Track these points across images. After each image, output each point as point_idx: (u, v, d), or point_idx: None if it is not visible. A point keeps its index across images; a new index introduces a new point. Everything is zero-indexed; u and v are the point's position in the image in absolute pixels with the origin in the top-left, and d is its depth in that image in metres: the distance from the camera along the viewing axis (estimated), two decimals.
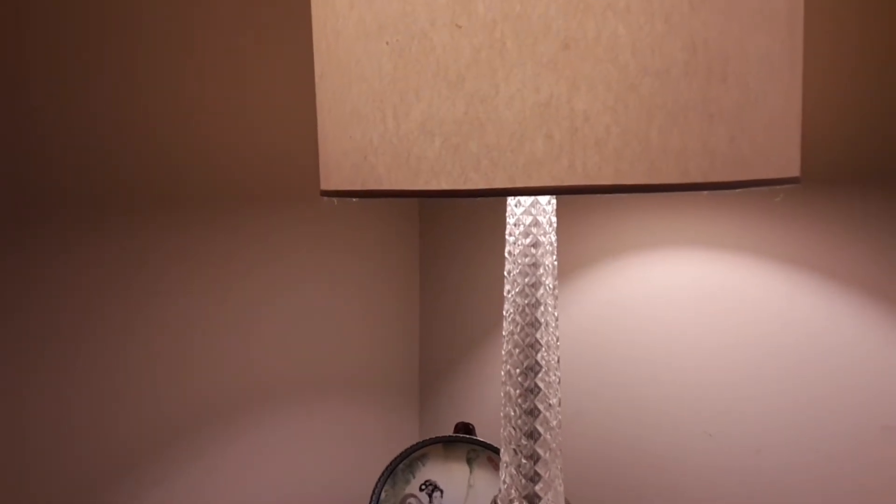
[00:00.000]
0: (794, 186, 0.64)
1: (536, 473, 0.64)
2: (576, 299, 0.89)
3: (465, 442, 0.87)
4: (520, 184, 0.44)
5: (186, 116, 0.85)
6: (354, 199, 0.54)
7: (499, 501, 0.66)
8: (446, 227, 1.06)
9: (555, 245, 0.63)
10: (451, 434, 0.89)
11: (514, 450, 0.65)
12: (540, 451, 0.64)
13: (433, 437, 0.89)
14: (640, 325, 0.84)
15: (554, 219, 0.63)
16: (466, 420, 0.93)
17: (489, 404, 1.02)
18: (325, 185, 0.59)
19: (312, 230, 0.97)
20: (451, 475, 0.88)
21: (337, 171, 0.55)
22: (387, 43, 0.48)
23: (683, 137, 0.43)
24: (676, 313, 0.81)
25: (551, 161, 0.43)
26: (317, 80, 0.59)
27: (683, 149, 0.43)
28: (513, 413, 0.65)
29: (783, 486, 0.74)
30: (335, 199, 0.58)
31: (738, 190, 0.46)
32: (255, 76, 0.90)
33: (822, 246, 0.70)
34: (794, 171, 0.51)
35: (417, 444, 0.89)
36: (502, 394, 0.66)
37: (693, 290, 0.79)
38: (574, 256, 0.89)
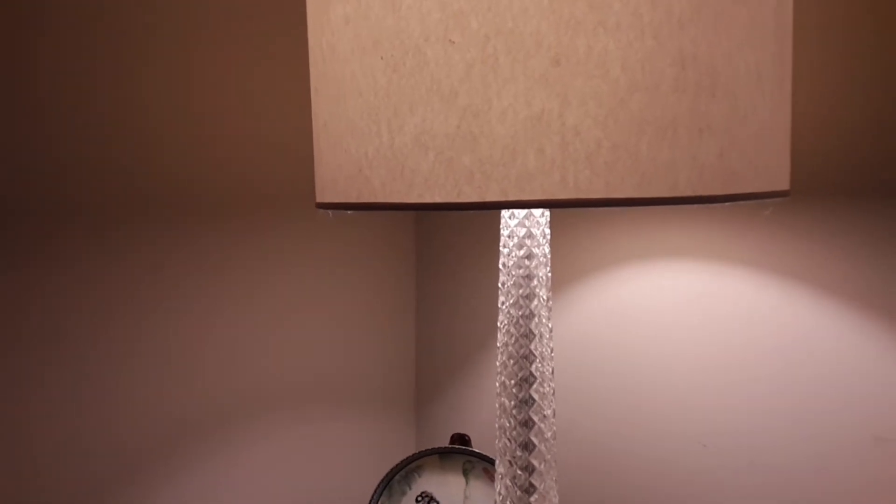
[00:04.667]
0: (783, 199, 0.65)
1: (531, 485, 0.64)
2: (568, 310, 0.90)
3: (460, 453, 0.88)
4: (512, 197, 0.45)
5: (198, 128, 0.86)
6: (349, 212, 0.54)
7: None
8: (442, 238, 1.06)
9: (548, 256, 0.64)
10: (447, 445, 0.89)
11: (510, 461, 0.65)
12: (535, 463, 0.64)
13: (429, 448, 0.89)
14: (633, 337, 0.84)
15: (548, 230, 0.64)
16: (462, 431, 0.93)
17: (485, 415, 1.02)
18: (320, 198, 0.59)
19: (310, 242, 0.97)
20: (447, 486, 0.88)
21: (332, 184, 0.55)
22: (381, 58, 0.49)
23: (673, 151, 0.44)
24: (668, 324, 0.81)
25: (543, 175, 0.44)
26: (312, 93, 0.60)
27: (673, 162, 0.44)
28: (507, 424, 0.65)
29: (776, 496, 0.74)
30: (330, 212, 0.58)
31: (727, 203, 0.47)
32: (261, 87, 0.91)
33: (813, 257, 0.71)
34: (783, 184, 0.51)
35: (413, 455, 0.89)
36: (497, 405, 0.66)
37: (685, 301, 0.80)
38: (566, 268, 0.89)
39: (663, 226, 0.81)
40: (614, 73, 0.43)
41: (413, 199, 0.48)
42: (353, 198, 0.53)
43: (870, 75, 0.67)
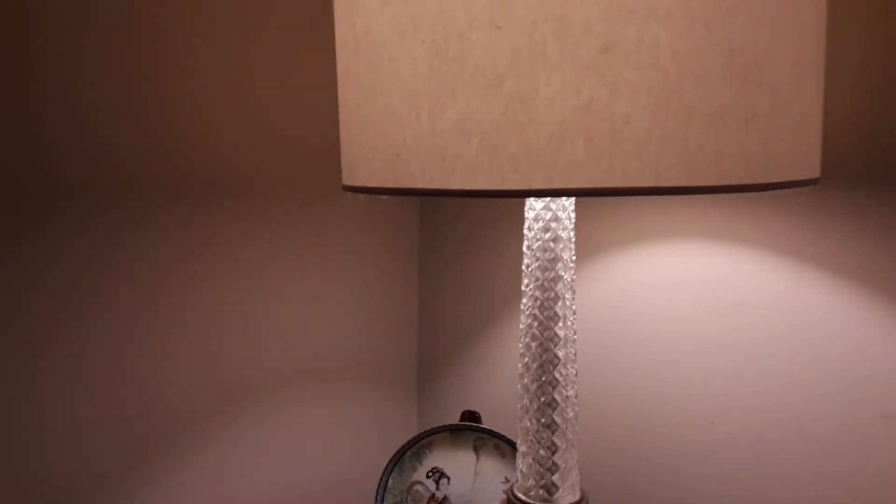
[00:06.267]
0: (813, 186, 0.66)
1: (554, 464, 0.65)
2: (584, 291, 0.90)
3: (471, 430, 0.89)
4: (559, 185, 0.45)
5: (192, 111, 0.85)
6: (384, 196, 0.54)
7: (515, 491, 0.68)
8: (445, 221, 1.06)
9: (573, 240, 0.64)
10: (457, 423, 0.90)
11: (532, 441, 0.66)
12: (558, 442, 0.65)
13: (440, 425, 0.90)
14: (647, 317, 0.86)
15: (573, 214, 0.64)
16: (465, 409, 0.94)
17: (487, 394, 1.03)
18: (349, 181, 0.59)
19: (313, 225, 0.97)
20: (457, 462, 0.89)
21: (365, 167, 0.55)
22: (422, 42, 0.48)
23: (720, 141, 0.44)
24: (682, 305, 0.83)
25: (591, 163, 0.44)
26: (340, 75, 0.59)
27: (720, 152, 0.44)
28: (531, 405, 0.66)
29: (783, 472, 0.77)
30: (361, 196, 0.58)
31: (769, 191, 0.48)
32: (262, 71, 0.89)
33: (822, 240, 0.72)
34: (815, 172, 0.52)
35: (424, 432, 0.90)
36: (519, 386, 0.67)
37: (700, 282, 0.81)
38: (583, 248, 0.90)
39: (676, 208, 0.81)
40: (665, 62, 0.43)
41: (455, 185, 0.48)
42: (389, 182, 0.52)
43: (890, 61, 0.68)
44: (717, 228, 0.79)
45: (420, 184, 0.50)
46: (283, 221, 0.93)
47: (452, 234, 1.06)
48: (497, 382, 1.02)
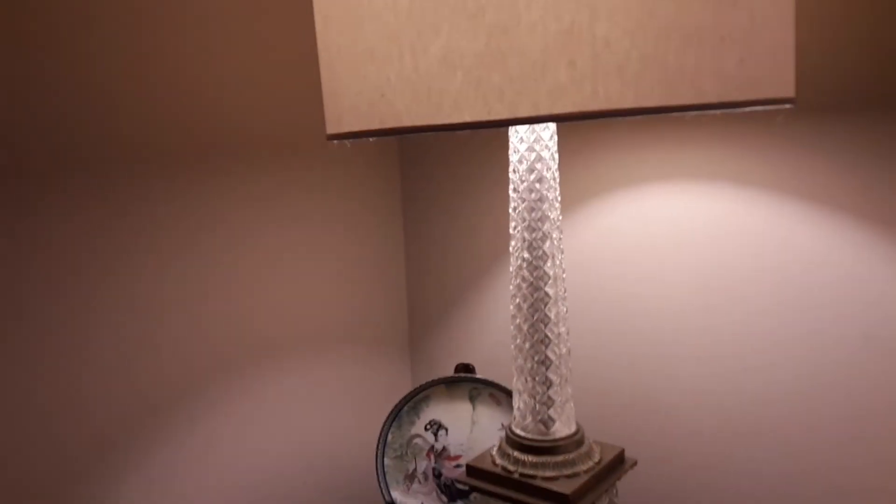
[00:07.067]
0: (788, 114, 0.67)
1: (550, 398, 0.67)
2: (571, 235, 0.92)
3: (467, 381, 0.90)
4: (544, 111, 0.46)
5: (169, 69, 0.84)
6: (371, 139, 0.55)
7: (513, 427, 0.69)
8: (427, 175, 1.07)
9: (557, 179, 0.66)
10: (452, 375, 0.91)
11: (527, 378, 0.67)
12: (552, 378, 0.67)
13: (435, 378, 0.92)
14: (633, 256, 0.87)
15: (556, 154, 0.65)
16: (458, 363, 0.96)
17: (479, 346, 1.05)
18: (335, 129, 0.59)
19: (295, 190, 0.97)
20: (454, 413, 0.91)
21: (351, 112, 0.55)
22: None
23: (698, 59, 0.45)
24: (666, 244, 0.84)
25: (574, 87, 0.45)
26: (319, 24, 0.59)
27: (698, 70, 0.46)
28: (524, 344, 0.67)
29: (770, 396, 0.79)
30: (347, 142, 0.58)
31: (745, 109, 0.49)
32: (238, 28, 0.89)
33: (803, 169, 0.74)
34: (790, 91, 0.53)
35: (421, 386, 0.91)
36: (512, 327, 0.68)
37: (682, 221, 0.83)
38: (569, 195, 0.91)
39: (658, 149, 0.83)
40: None
41: (441, 120, 0.49)
42: (375, 124, 0.53)
43: None
44: (696, 168, 0.81)
45: (406, 122, 0.51)
46: (263, 189, 0.94)
47: (434, 188, 1.06)
48: (489, 335, 1.04)
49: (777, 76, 0.51)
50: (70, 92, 0.77)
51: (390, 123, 0.52)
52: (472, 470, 0.70)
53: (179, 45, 0.84)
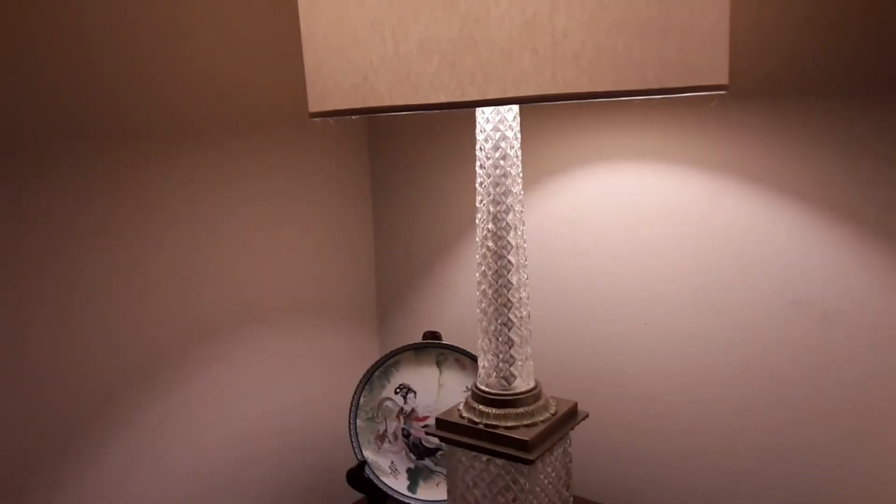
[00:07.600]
0: (722, 96, 0.75)
1: (511, 356, 0.74)
2: (532, 209, 0.99)
3: (434, 347, 0.97)
4: (511, 94, 0.52)
5: (152, 46, 0.88)
6: (354, 117, 0.60)
7: (478, 384, 0.76)
8: (394, 151, 1.13)
9: (520, 156, 0.72)
10: (420, 341, 0.98)
11: (491, 338, 0.74)
12: (514, 338, 0.74)
13: (404, 345, 0.98)
14: (589, 228, 0.95)
15: (519, 133, 0.72)
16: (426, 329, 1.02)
17: (445, 315, 1.11)
18: (318, 107, 0.64)
19: (266, 167, 1.02)
20: (422, 377, 0.97)
21: (335, 92, 0.61)
22: None
23: (643, 50, 0.52)
24: (616, 219, 0.92)
25: (537, 73, 0.51)
26: (303, 8, 0.64)
27: (643, 59, 0.52)
28: (489, 308, 0.74)
29: (709, 360, 0.88)
30: (331, 119, 0.63)
31: (685, 94, 0.56)
32: (214, 11, 0.93)
33: (741, 153, 0.82)
34: (724, 79, 0.61)
35: (391, 352, 0.97)
36: (478, 292, 0.75)
37: (630, 196, 0.90)
38: (531, 174, 0.98)
39: (608, 132, 0.90)
40: None
41: (419, 100, 0.55)
42: (359, 103, 0.59)
43: None
44: (642, 149, 0.88)
45: (387, 101, 0.57)
46: (238, 169, 0.98)
47: (402, 166, 1.12)
48: (454, 304, 1.11)
49: (713, 65, 0.58)
50: (53, 72, 0.80)
51: (373, 103, 0.58)
52: (441, 423, 0.76)
53: (157, 27, 0.88)
